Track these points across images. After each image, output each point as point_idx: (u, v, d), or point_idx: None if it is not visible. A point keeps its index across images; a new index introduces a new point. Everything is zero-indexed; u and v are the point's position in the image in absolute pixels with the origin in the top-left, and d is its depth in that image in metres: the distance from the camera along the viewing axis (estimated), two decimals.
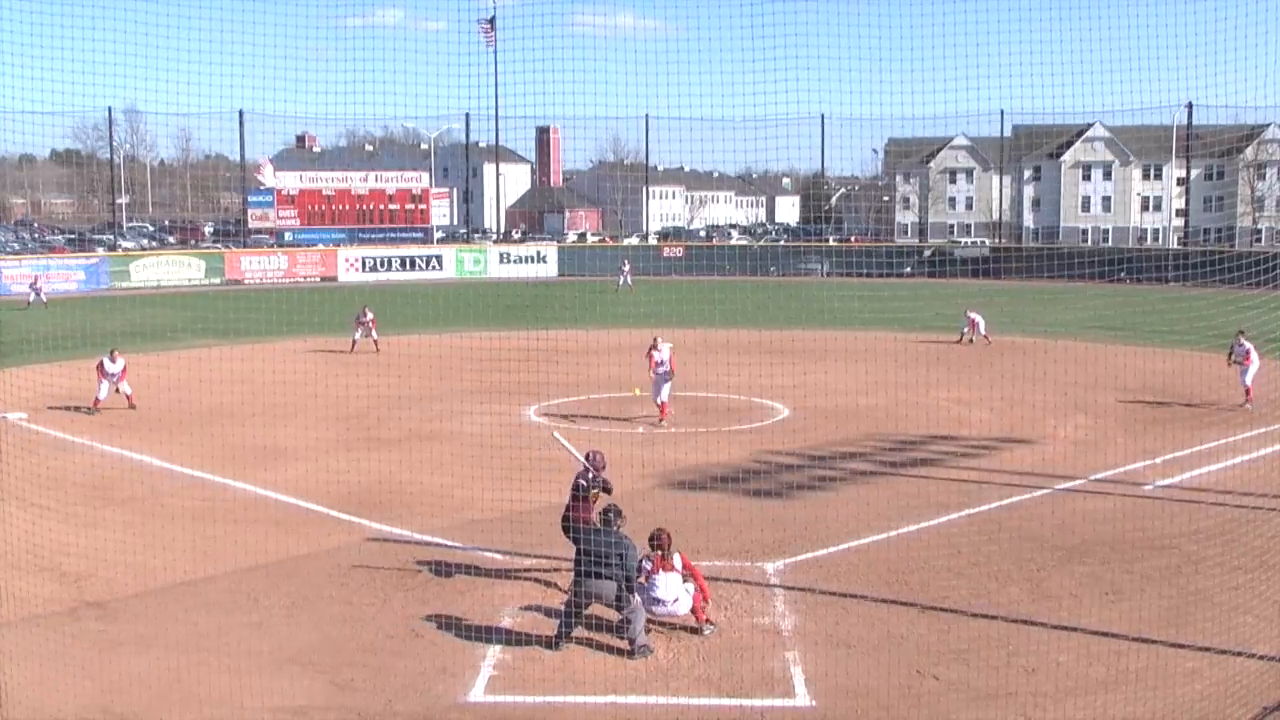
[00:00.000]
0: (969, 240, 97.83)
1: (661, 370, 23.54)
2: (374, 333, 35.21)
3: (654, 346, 24.09)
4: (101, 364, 25.35)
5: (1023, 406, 24.57)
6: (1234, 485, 17.83)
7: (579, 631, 11.81)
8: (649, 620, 11.95)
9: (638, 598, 11.83)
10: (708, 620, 12.30)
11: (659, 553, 12.12)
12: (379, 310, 36.75)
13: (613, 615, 11.83)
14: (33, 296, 49.55)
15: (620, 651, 11.55)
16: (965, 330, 37.25)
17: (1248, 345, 25.15)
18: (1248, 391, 25.01)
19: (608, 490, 13.24)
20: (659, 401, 23.60)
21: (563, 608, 12.01)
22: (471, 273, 68.67)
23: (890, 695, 10.53)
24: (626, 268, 61.32)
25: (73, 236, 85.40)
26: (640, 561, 12.13)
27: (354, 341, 35.20)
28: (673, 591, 12.03)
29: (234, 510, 17.06)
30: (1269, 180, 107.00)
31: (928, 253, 74.23)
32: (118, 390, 25.38)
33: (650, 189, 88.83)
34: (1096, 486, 18.35)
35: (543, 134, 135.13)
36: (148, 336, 36.57)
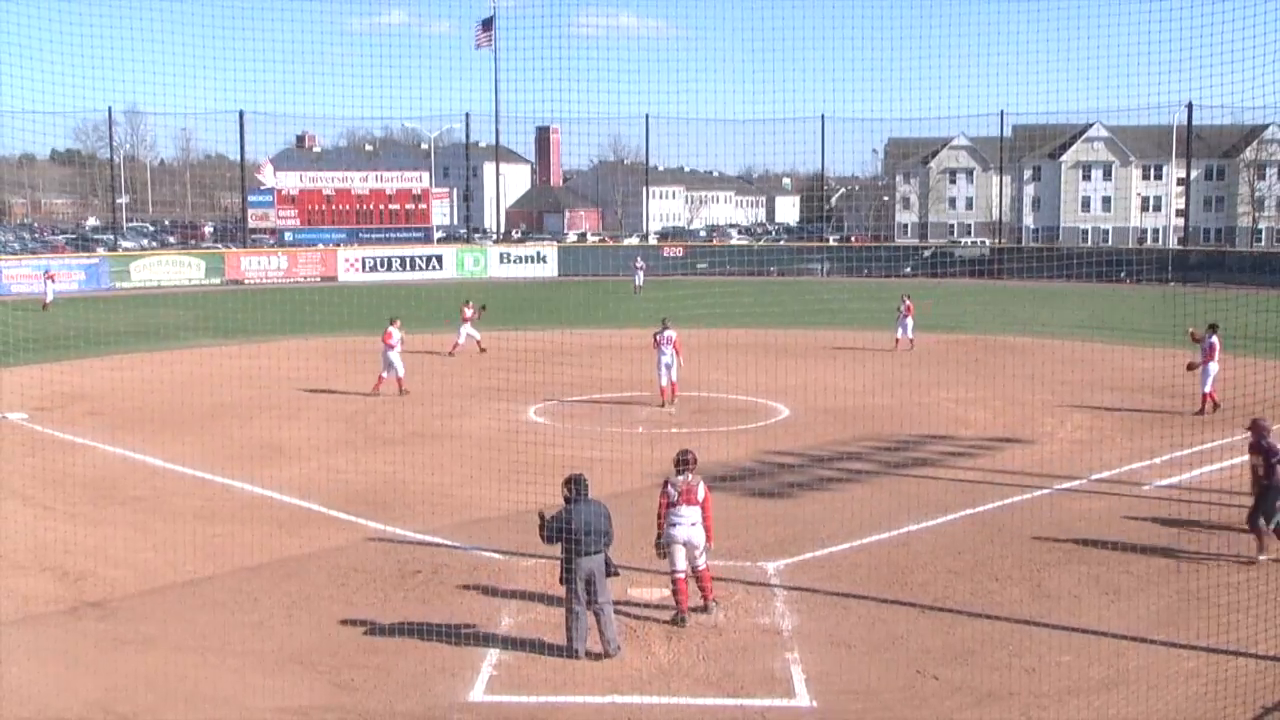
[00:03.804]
0: (969, 240, 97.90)
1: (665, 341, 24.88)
2: (471, 329, 33.76)
3: (664, 328, 25.10)
4: (389, 336, 26.16)
5: (1022, 406, 24.63)
6: (1233, 485, 17.83)
7: None
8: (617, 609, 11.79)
9: (610, 593, 11.63)
10: (714, 598, 12.54)
11: (684, 478, 12.28)
12: (387, 309, 36.10)
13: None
14: (50, 295, 47.95)
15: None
16: (900, 315, 34.14)
17: (1213, 340, 23.71)
18: (1204, 399, 23.68)
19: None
20: (664, 385, 24.97)
21: (566, 610, 11.59)
22: (472, 273, 68.70)
23: (891, 696, 10.56)
24: (641, 266, 58.99)
25: (73, 237, 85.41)
26: (665, 487, 12.34)
27: (477, 341, 33.83)
28: (692, 518, 12.23)
29: (236, 510, 17.10)
30: (1269, 180, 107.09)
31: (928, 253, 74.21)
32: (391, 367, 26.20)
33: (650, 189, 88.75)
34: (1096, 486, 18.38)
35: (543, 134, 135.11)
36: (151, 336, 36.62)
